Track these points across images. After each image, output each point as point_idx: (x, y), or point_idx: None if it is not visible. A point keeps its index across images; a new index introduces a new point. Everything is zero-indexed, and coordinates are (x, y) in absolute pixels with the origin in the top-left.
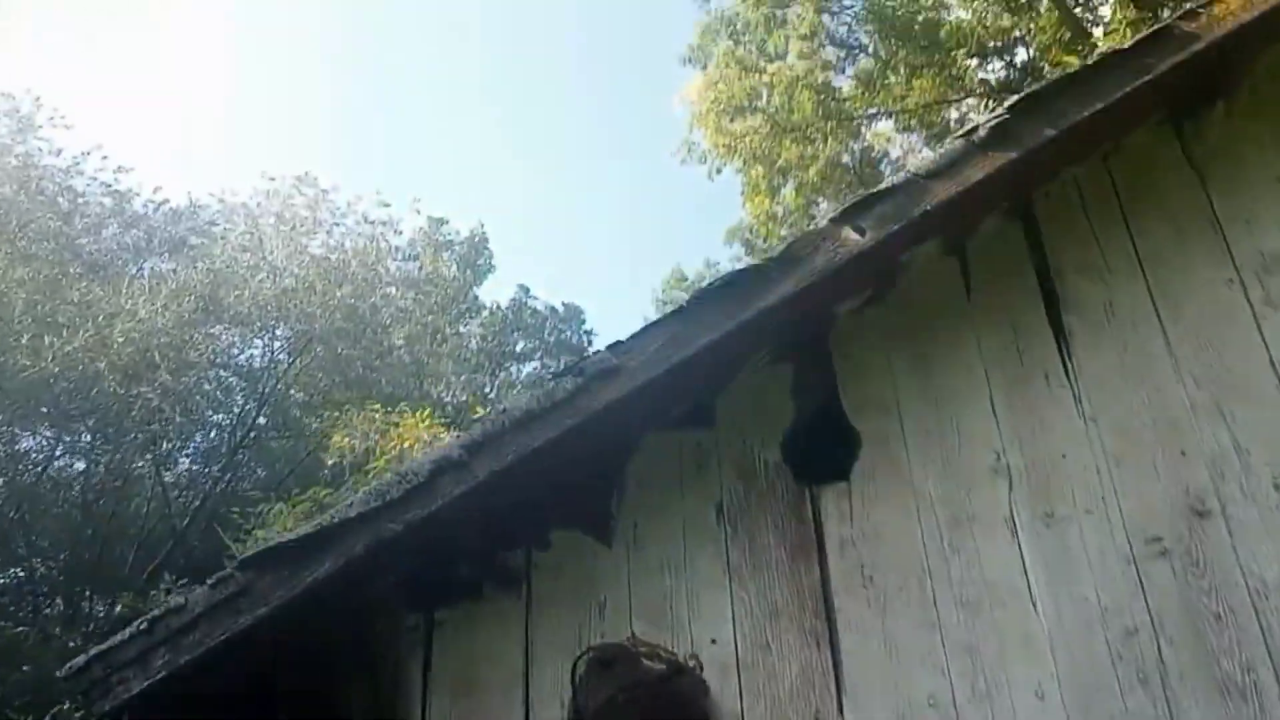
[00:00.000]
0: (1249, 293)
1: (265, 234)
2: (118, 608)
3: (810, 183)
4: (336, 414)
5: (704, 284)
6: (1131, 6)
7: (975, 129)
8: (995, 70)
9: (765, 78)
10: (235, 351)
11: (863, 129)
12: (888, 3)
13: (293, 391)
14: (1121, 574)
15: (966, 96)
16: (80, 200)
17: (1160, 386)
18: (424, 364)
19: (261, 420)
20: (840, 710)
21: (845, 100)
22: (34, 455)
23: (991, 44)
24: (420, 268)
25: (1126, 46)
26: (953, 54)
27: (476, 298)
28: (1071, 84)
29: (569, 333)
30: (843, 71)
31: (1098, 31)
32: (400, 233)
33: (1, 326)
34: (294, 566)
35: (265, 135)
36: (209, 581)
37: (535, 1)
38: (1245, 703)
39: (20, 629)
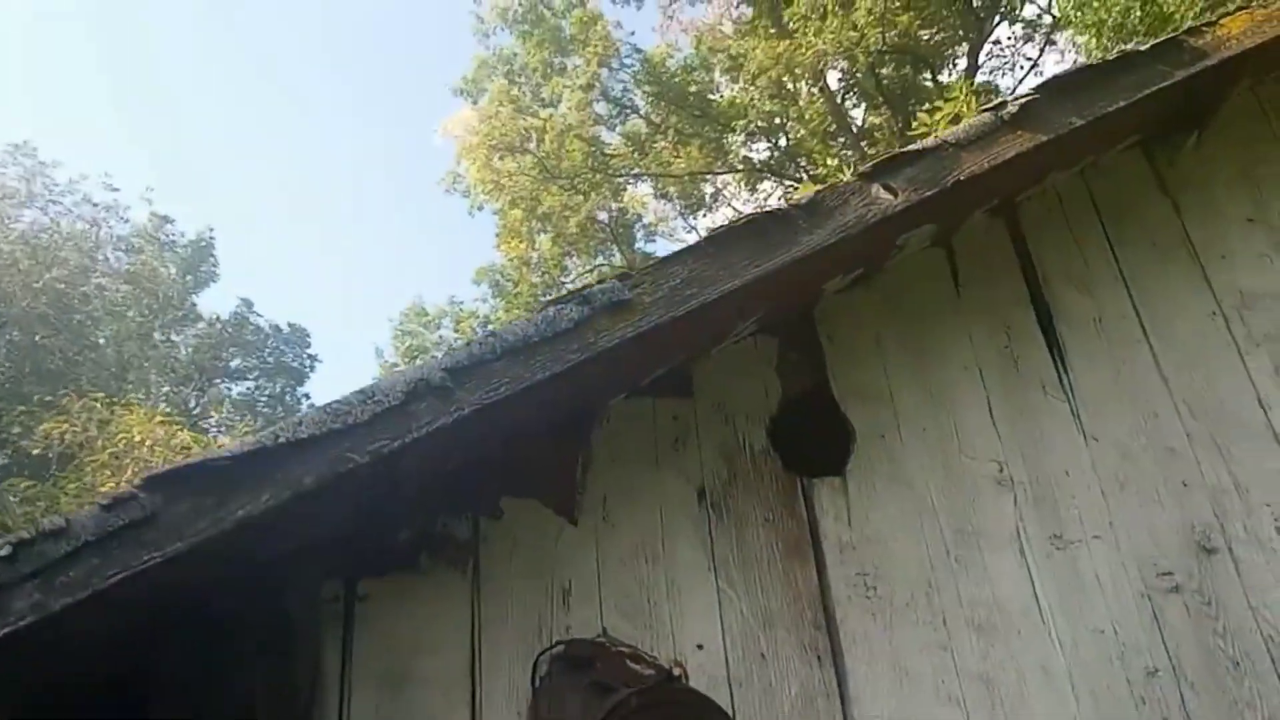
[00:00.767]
0: (1232, 328)
1: None
2: None
3: (568, 235)
4: (49, 397)
5: (716, 226)
6: (885, 107)
7: (1003, 104)
8: (760, 150)
9: (538, 121)
10: None
11: (624, 189)
12: (664, 70)
13: None
14: (1136, 608)
15: (729, 171)
16: None
17: (1156, 412)
18: (129, 365)
19: None
20: None
21: (612, 157)
22: None
23: (757, 124)
24: (142, 263)
25: (1145, 49)
26: (721, 127)
27: (195, 305)
28: (1096, 76)
29: (291, 355)
30: (613, 129)
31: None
32: (127, 221)
33: None
34: (221, 494)
35: None
36: (102, 501)
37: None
38: None
39: None
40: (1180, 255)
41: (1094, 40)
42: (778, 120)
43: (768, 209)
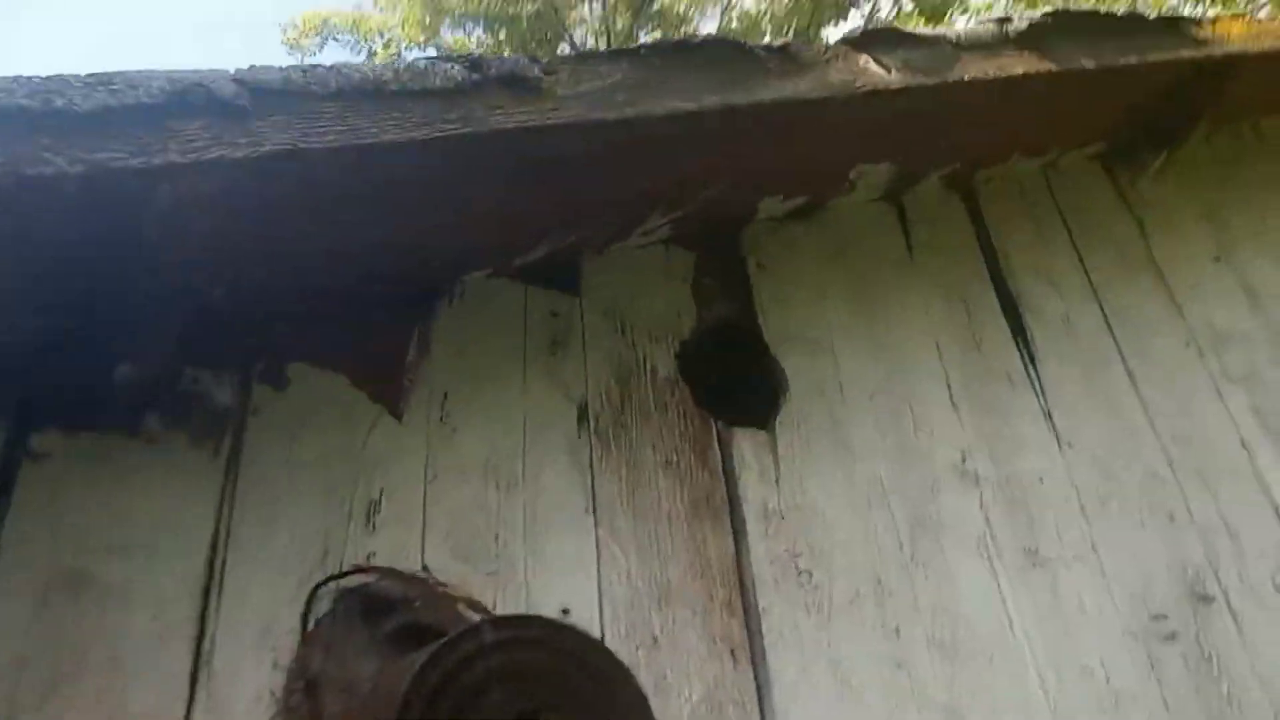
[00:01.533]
0: (1206, 362)
1: None
2: None
3: None
4: None
5: (658, 40)
6: None
7: (1009, 19)
8: None
9: None
10: None
11: None
12: None
13: None
14: (1129, 652)
15: None
16: None
17: (1134, 432)
18: None
19: None
20: None
21: None
22: None
23: None
24: None
25: (1152, 18)
26: None
27: None
28: (1107, 23)
29: None
30: None
31: None
32: None
33: None
34: None
35: None
36: None
37: None
38: None
39: None
40: (1149, 274)
41: None
42: None
43: (720, 36)
